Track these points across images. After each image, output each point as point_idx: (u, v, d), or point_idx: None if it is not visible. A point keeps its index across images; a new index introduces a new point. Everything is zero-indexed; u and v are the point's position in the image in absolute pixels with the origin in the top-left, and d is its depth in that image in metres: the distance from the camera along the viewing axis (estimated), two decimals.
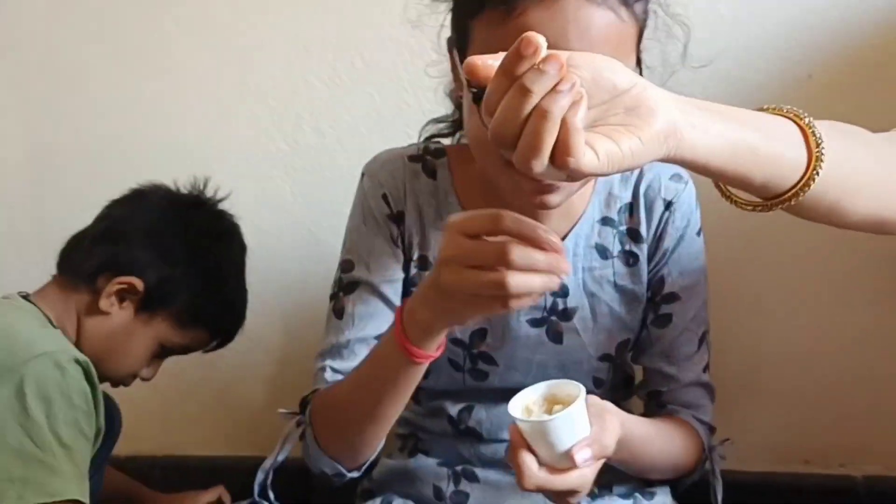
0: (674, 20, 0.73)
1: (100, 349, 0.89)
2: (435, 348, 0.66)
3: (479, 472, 0.82)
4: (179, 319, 0.94)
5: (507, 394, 0.81)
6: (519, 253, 0.54)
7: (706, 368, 0.85)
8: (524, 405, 0.62)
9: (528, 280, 0.55)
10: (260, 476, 0.78)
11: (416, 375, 0.69)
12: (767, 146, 0.50)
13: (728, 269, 1.11)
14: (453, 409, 0.83)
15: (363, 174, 0.84)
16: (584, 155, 0.43)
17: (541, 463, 0.61)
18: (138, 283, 0.89)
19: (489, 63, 0.45)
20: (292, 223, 1.31)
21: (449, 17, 0.74)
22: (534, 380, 0.81)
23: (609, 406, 0.68)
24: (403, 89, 1.24)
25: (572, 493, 0.62)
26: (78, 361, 0.81)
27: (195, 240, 0.95)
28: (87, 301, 0.89)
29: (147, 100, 1.35)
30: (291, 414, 0.79)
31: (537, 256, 0.54)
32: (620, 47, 0.63)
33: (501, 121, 0.43)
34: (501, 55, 0.44)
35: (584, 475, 0.61)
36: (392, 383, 0.69)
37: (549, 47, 0.42)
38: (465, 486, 0.82)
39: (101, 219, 0.95)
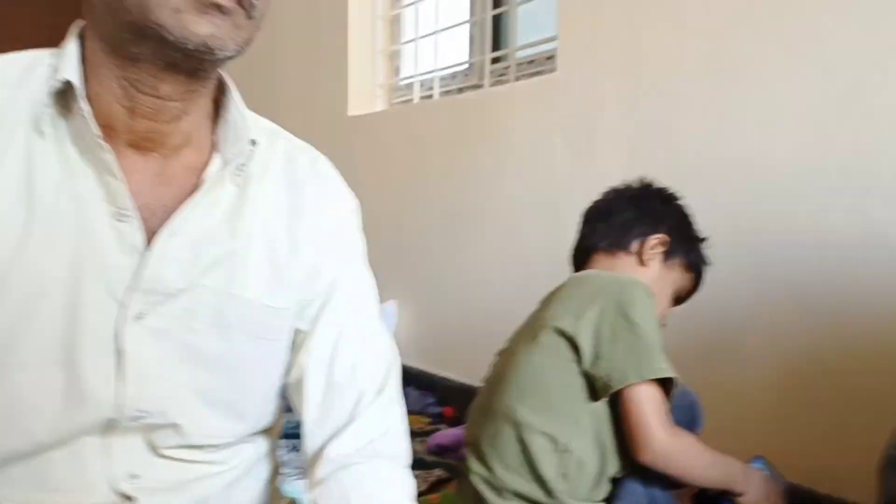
0: None
1: None
2: None
3: None
4: (685, 265, 1.20)
5: None
6: None
7: None
8: None
9: None
10: None
11: None
12: None
13: None
14: None
15: None
16: None
17: None
18: (665, 238, 1.16)
19: None
20: (881, 243, 1.31)
21: None
22: None
23: None
24: None
25: None
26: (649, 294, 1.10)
27: (673, 204, 1.21)
28: (630, 261, 1.18)
29: (738, 117, 1.49)
30: None
31: None
32: None
33: None
34: None
35: None
36: None
37: None
38: None
39: (614, 212, 1.21)
